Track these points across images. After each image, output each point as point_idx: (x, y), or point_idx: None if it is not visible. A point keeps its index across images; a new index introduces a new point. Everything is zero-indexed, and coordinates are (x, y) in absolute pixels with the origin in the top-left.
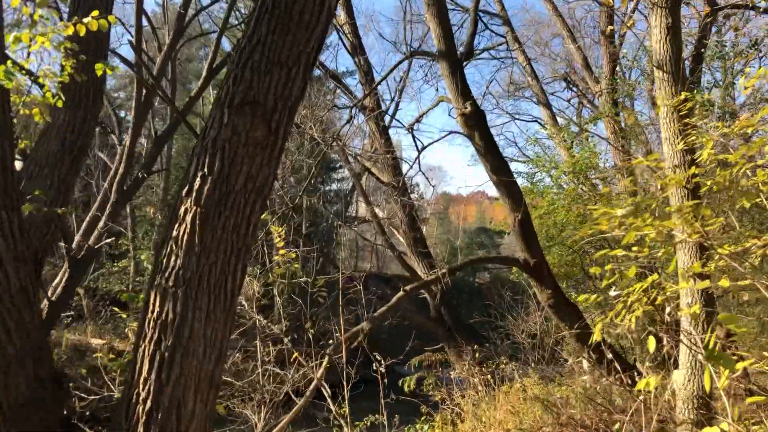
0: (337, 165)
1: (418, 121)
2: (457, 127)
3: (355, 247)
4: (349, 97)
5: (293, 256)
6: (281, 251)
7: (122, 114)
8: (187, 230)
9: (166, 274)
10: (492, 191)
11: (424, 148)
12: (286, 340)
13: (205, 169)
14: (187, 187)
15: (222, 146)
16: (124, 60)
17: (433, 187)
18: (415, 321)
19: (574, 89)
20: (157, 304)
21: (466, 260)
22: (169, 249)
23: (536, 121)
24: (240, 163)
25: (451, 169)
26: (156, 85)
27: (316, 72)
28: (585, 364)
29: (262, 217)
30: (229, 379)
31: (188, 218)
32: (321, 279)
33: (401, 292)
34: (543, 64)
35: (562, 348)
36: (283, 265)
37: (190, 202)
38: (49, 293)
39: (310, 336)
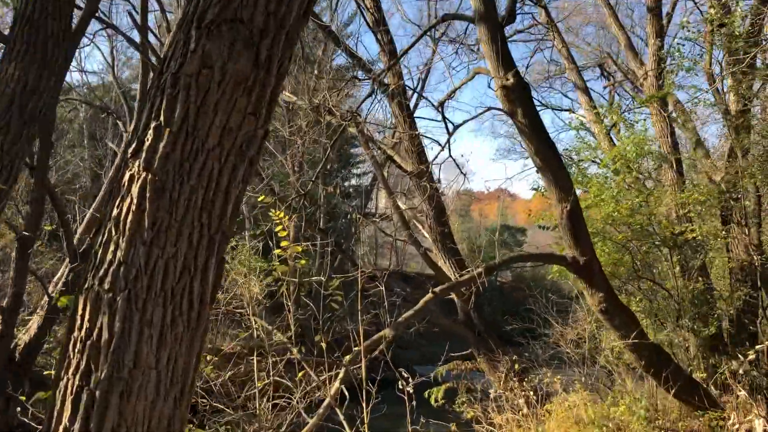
0: (357, 160)
1: (449, 97)
2: (496, 103)
3: (375, 244)
4: (367, 75)
5: (299, 249)
6: (283, 243)
7: (135, 105)
8: (133, 207)
9: (101, 274)
10: (516, 188)
11: (457, 127)
12: (294, 350)
13: (161, 118)
14: (134, 145)
15: (187, 84)
16: (129, 40)
17: (464, 175)
18: (442, 324)
19: (610, 78)
20: (87, 317)
21: (506, 258)
22: (106, 236)
23: (568, 110)
24: (213, 111)
25: (474, 166)
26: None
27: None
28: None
29: (264, 199)
30: (219, 405)
31: (135, 190)
32: (336, 279)
33: (430, 294)
34: (575, 53)
35: (616, 359)
36: (291, 260)
37: (138, 166)
38: (50, 288)
39: (323, 346)
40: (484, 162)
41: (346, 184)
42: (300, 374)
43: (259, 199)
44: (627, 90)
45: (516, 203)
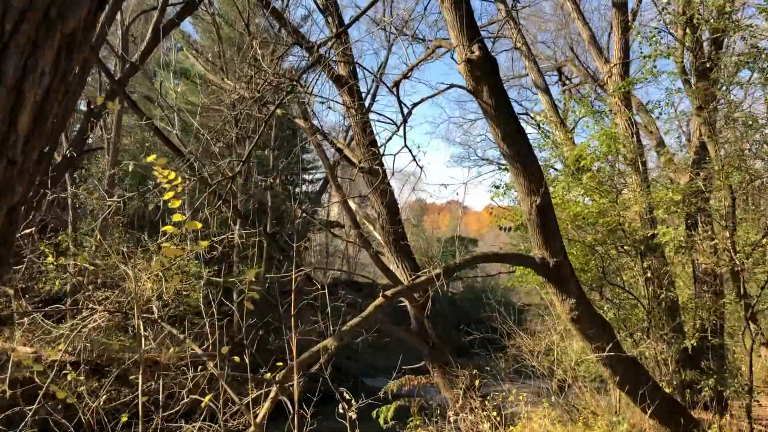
0: (309, 165)
1: (405, 76)
2: (459, 80)
3: (326, 253)
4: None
5: (199, 226)
6: (176, 217)
7: None
8: None
9: None
10: (469, 199)
11: (415, 105)
12: (211, 365)
13: None
14: None
15: None
16: None
17: (421, 168)
18: (394, 333)
19: (569, 81)
20: None
21: (468, 257)
22: None
23: (526, 113)
24: None
25: (428, 174)
26: (94, 52)
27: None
28: None
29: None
30: None
31: None
32: (252, 270)
33: (380, 298)
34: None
35: (574, 371)
36: (184, 243)
37: None
38: None
39: (246, 360)
40: (438, 168)
41: (297, 190)
42: (209, 395)
43: (149, 159)
44: (586, 91)
45: (468, 215)
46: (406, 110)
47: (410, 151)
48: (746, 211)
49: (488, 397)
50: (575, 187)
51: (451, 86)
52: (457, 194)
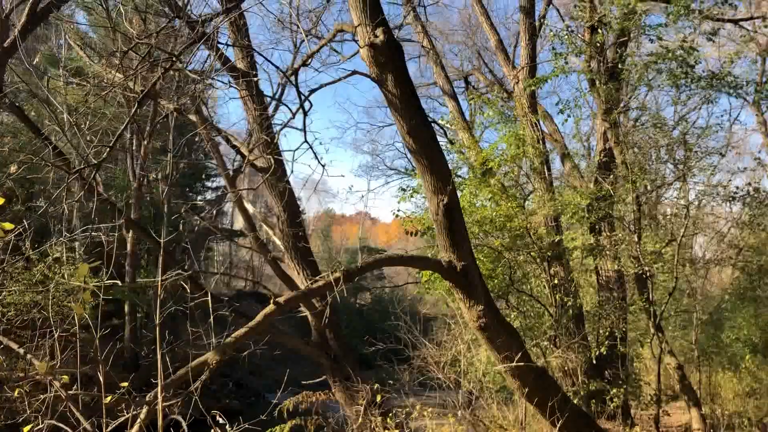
0: (212, 172)
1: (304, 63)
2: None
3: (230, 265)
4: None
5: (9, 227)
6: None
7: None
8: None
9: None
10: (377, 211)
11: (312, 92)
12: (57, 384)
13: None
14: None
15: None
16: None
17: (323, 166)
18: (291, 345)
19: (475, 90)
20: None
21: (370, 259)
22: None
23: (434, 122)
24: None
25: (335, 185)
26: None
27: None
28: None
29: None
30: None
31: None
32: (84, 265)
33: (271, 306)
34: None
35: (480, 382)
36: None
37: None
38: None
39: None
40: (346, 177)
41: (199, 198)
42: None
43: None
44: (492, 99)
45: (377, 227)
46: (307, 105)
47: (311, 146)
48: (652, 217)
49: (390, 414)
50: (483, 190)
51: (354, 73)
52: (363, 200)
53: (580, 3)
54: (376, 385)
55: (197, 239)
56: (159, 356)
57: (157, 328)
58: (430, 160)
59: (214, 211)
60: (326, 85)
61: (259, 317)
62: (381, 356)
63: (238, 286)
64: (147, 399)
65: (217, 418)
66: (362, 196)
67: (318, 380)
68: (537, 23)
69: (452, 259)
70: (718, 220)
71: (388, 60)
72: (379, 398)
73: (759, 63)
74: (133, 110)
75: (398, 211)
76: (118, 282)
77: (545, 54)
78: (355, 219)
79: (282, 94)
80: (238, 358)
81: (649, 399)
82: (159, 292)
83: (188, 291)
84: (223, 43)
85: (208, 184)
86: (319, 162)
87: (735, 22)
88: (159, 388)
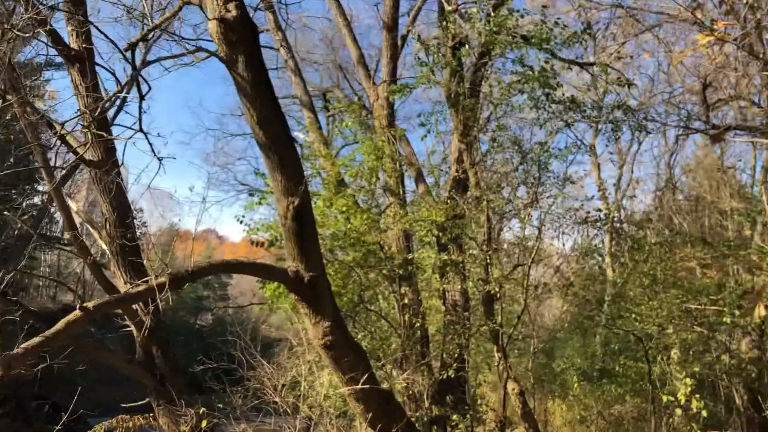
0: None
1: (143, 38)
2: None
3: (57, 274)
4: None
5: None
6: None
7: None
8: None
9: None
10: (226, 229)
11: (145, 65)
12: None
13: None
14: None
15: None
16: None
17: (160, 160)
18: (110, 363)
19: (333, 107)
20: None
21: (203, 264)
22: None
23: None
24: None
25: (181, 197)
26: None
27: None
28: None
29: None
30: None
31: None
32: None
33: (77, 312)
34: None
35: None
36: None
37: None
38: None
39: None
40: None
41: (27, 202)
42: None
43: None
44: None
45: (225, 245)
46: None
47: (146, 136)
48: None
49: None
50: (338, 201)
51: (199, 50)
52: (206, 210)
53: (442, 22)
54: (203, 410)
55: (15, 245)
56: None
57: None
58: (281, 157)
59: (34, 212)
60: (164, 59)
61: (59, 325)
62: (215, 378)
63: (66, 299)
64: None
65: None
66: (204, 201)
67: (142, 403)
68: (399, 42)
69: (300, 269)
70: (551, 255)
71: (241, 39)
72: (204, 424)
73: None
74: None
75: (243, 216)
76: None
77: (410, 71)
78: (202, 236)
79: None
80: (56, 377)
81: (493, 426)
82: None
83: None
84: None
85: (40, 187)
86: (155, 155)
87: (581, 65)
88: None
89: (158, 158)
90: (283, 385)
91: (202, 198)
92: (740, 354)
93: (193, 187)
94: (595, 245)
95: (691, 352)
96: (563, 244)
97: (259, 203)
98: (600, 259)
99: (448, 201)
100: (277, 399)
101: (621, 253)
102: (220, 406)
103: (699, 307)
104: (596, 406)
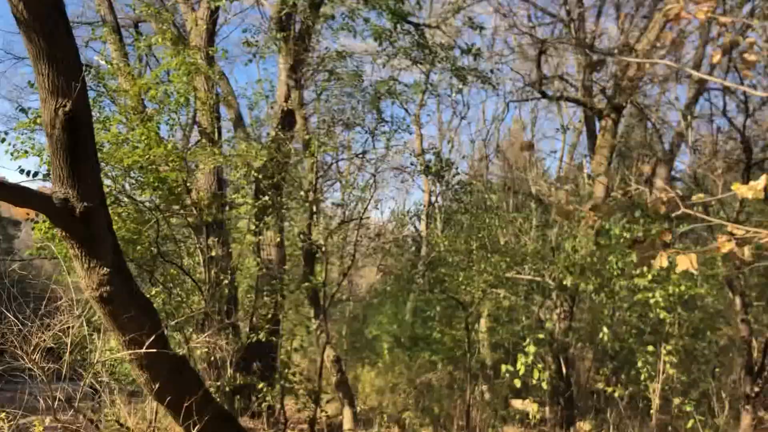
0: None
1: None
2: None
3: None
4: None
5: None
6: None
7: None
8: None
9: None
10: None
11: None
12: None
13: None
14: None
15: None
16: None
17: None
18: None
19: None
20: None
21: None
22: None
23: (88, 66)
24: None
25: None
26: None
27: None
28: None
29: None
30: None
31: None
32: None
33: None
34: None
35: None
36: None
37: None
38: None
39: None
40: None
41: None
42: None
43: None
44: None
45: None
46: None
47: None
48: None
49: None
50: (140, 129)
51: None
52: None
53: None
54: None
55: None
56: None
57: None
58: (50, 40)
59: None
60: None
61: None
62: None
63: None
64: None
65: None
66: None
67: None
68: None
69: (70, 197)
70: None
71: None
72: None
73: None
74: None
75: (5, 134)
76: None
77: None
78: None
79: None
80: None
81: (306, 398)
82: None
83: None
84: None
85: None
86: None
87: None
88: None
89: None
90: (45, 347)
91: None
92: (552, 323)
93: None
94: (416, 208)
95: (500, 321)
96: (381, 213)
97: (33, 122)
98: (418, 220)
99: (272, 143)
100: (29, 364)
101: (442, 215)
102: None
103: (517, 275)
104: (407, 374)
